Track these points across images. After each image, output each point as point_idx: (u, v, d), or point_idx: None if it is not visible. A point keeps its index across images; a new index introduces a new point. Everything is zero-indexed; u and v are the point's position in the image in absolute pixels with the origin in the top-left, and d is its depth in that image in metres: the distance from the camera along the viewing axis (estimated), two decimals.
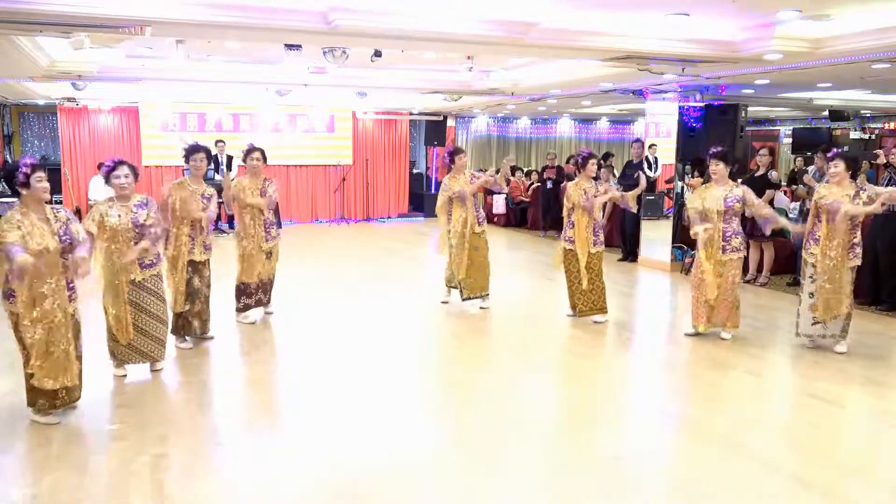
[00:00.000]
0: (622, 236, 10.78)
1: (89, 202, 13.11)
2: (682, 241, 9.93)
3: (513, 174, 15.88)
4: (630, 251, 10.56)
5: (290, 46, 7.40)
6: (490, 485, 3.62)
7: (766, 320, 7.07)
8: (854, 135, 16.72)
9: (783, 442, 4.23)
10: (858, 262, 5.78)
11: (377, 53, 7.87)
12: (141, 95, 13.17)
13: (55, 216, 4.27)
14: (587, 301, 6.80)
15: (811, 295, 5.85)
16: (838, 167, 5.76)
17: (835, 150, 6.15)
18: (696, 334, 6.32)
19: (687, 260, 9.70)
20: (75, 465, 3.79)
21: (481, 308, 7.32)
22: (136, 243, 4.89)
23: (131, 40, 7.48)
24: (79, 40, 6.36)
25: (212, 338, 6.09)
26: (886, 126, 16.65)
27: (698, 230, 6.16)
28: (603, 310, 6.82)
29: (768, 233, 6.56)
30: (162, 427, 4.32)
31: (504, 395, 5.00)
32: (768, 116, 18.27)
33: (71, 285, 4.35)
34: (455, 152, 7.47)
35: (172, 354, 5.68)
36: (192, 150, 5.90)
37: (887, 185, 7.34)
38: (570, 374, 5.56)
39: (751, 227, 8.58)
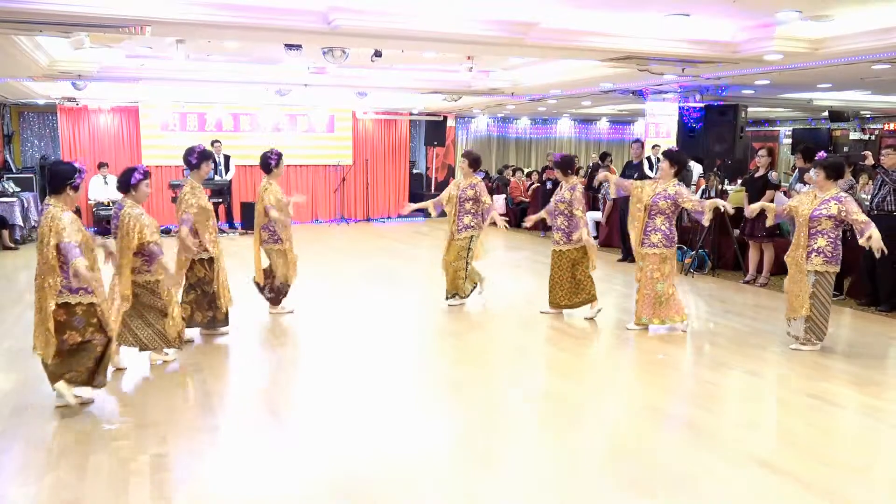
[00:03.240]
0: (622, 237, 10.77)
1: (89, 202, 13.12)
2: (682, 241, 9.93)
3: (513, 175, 15.92)
4: (629, 251, 10.54)
5: (290, 46, 7.41)
6: (488, 481, 3.62)
7: (765, 320, 7.07)
8: (854, 135, 16.75)
9: (782, 441, 4.24)
10: (822, 268, 5.79)
11: (377, 53, 7.87)
12: (141, 95, 13.17)
13: None
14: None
15: None
16: (818, 175, 5.89)
17: (819, 155, 6.25)
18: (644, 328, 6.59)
19: (686, 260, 9.71)
20: (75, 464, 3.78)
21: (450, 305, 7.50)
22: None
23: (131, 40, 7.49)
24: (79, 40, 6.38)
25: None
26: (886, 127, 16.67)
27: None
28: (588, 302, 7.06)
29: (706, 223, 6.62)
30: (161, 427, 4.32)
31: (503, 393, 5.01)
32: (768, 117, 18.30)
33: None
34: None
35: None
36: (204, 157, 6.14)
37: (880, 187, 7.37)
38: (568, 373, 5.56)
39: (750, 227, 8.59)
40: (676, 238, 6.51)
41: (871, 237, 5.52)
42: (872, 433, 4.44)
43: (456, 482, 3.65)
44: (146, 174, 5.18)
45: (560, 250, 6.94)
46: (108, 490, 3.51)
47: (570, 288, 6.97)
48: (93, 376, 4.53)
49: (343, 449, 4.01)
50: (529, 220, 7.63)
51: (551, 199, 7.10)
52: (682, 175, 6.86)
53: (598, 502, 3.47)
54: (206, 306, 6.11)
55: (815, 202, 5.86)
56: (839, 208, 5.70)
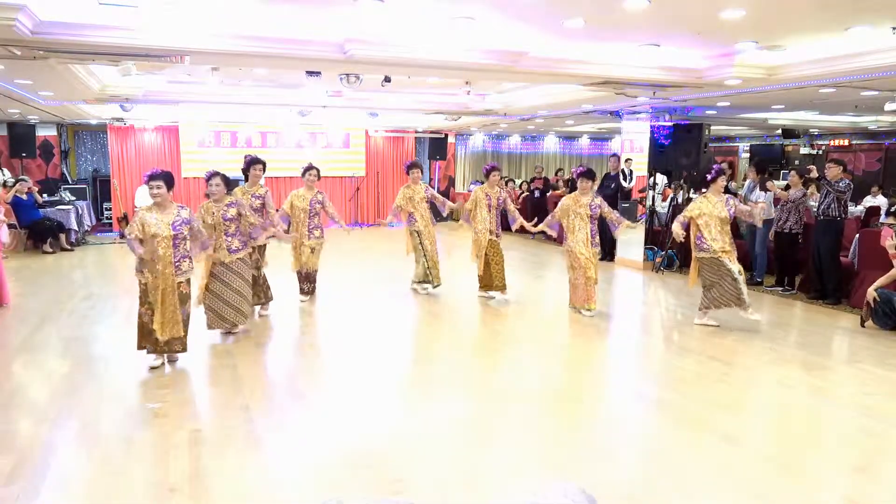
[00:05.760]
0: (601, 238, 10.73)
1: (135, 209, 13.10)
2: (653, 242, 9.92)
3: (506, 184, 15.88)
4: (608, 251, 10.53)
5: (310, 73, 7.41)
6: (486, 455, 3.61)
7: (725, 313, 7.04)
8: (804, 150, 16.71)
9: (743, 419, 4.22)
10: None
11: (387, 79, 7.86)
12: (180, 116, 13.17)
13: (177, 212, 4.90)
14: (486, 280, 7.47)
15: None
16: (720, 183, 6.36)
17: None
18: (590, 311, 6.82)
19: (657, 259, 9.70)
20: (122, 439, 3.78)
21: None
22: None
23: (172, 68, 7.48)
24: (126, 68, 6.37)
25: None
26: (832, 143, 16.64)
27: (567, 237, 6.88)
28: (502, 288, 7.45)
29: (617, 235, 7.23)
30: (197, 406, 4.32)
31: (497, 376, 4.99)
32: (728, 134, 18.26)
33: (177, 263, 4.85)
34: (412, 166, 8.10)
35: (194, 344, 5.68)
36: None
37: (825, 196, 7.34)
38: (555, 359, 5.54)
39: None
40: None
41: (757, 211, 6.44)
42: (820, 411, 4.42)
43: (458, 456, 3.63)
44: (212, 175, 5.63)
45: (497, 241, 7.40)
46: (150, 462, 3.50)
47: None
48: (140, 344, 4.96)
49: (358, 426, 4.00)
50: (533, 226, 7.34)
51: (496, 203, 7.45)
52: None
53: (579, 470, 3.45)
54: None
55: (720, 204, 6.24)
56: (734, 203, 6.34)
